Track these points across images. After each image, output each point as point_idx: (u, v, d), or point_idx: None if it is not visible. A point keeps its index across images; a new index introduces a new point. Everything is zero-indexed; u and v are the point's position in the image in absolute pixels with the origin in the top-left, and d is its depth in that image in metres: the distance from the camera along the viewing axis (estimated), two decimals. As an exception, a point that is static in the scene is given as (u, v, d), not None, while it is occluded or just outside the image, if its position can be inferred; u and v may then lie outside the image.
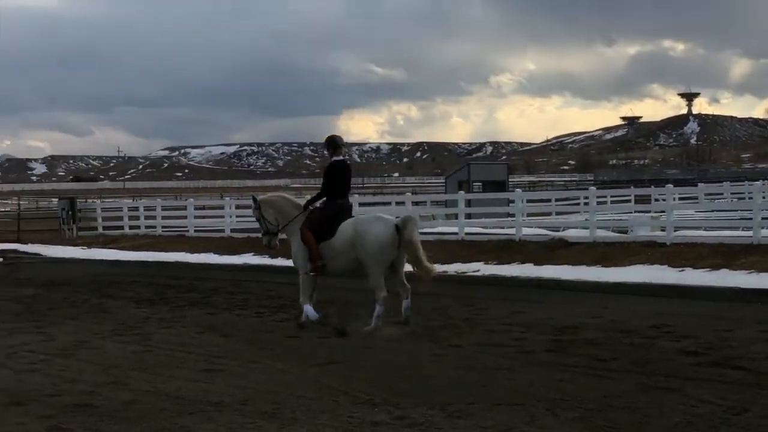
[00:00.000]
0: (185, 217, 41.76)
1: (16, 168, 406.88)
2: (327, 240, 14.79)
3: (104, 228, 43.98)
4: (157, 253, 33.67)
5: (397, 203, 40.11)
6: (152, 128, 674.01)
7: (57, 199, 57.16)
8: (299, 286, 15.20)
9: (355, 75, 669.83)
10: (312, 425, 8.80)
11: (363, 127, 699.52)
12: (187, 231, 39.86)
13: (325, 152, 15.86)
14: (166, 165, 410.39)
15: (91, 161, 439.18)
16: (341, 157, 15.54)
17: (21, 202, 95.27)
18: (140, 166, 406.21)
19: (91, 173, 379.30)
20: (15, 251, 36.90)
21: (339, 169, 15.30)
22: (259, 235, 16.40)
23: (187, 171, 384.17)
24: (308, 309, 14.98)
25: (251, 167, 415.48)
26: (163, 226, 41.38)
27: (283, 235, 15.79)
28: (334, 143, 15.47)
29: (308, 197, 15.91)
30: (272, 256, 30.01)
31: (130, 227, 42.70)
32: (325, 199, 15.30)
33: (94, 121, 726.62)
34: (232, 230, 37.56)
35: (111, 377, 11.17)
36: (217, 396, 9.99)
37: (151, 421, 9.05)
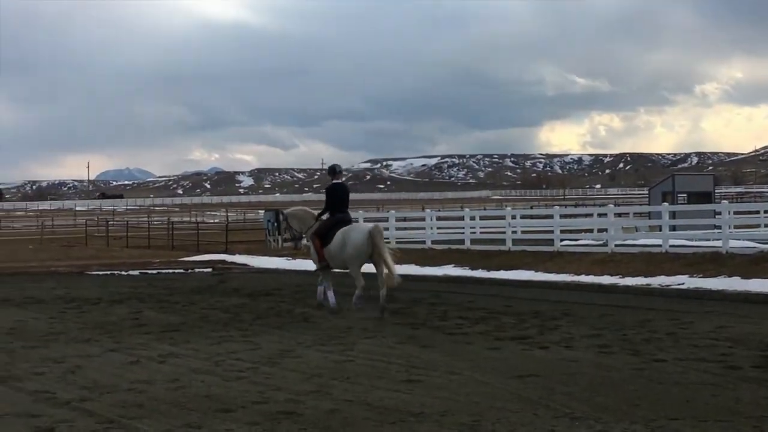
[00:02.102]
0: (387, 229, 42.19)
1: (224, 181, 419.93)
2: (327, 245, 19.69)
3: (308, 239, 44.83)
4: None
5: (599, 215, 39.59)
6: (355, 141, 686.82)
7: (263, 211, 58.63)
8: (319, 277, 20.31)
9: (557, 86, 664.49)
10: (511, 438, 8.78)
11: (564, 139, 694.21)
12: (389, 243, 40.24)
13: (328, 176, 20.93)
14: (368, 177, 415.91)
15: (295, 173, 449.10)
16: (340, 181, 20.58)
17: (229, 214, 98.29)
18: (343, 179, 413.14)
19: (296, 185, 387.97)
20: (223, 262, 38.04)
21: (337, 190, 20.27)
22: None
23: (389, 183, 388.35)
24: (320, 292, 20.05)
25: (452, 179, 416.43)
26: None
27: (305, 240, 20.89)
28: (333, 170, 20.68)
29: (318, 210, 20.72)
30: (473, 268, 30.09)
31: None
32: (328, 212, 20.17)
33: (298, 134, 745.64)
34: (433, 242, 37.71)
35: (314, 386, 11.40)
36: (417, 407, 10.08)
37: (353, 430, 9.20)
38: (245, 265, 37.04)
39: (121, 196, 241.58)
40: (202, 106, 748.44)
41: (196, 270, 35.87)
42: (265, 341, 15.33)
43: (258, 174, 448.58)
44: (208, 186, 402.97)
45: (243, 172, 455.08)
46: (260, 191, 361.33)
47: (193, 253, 43.52)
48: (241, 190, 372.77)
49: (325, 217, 20.38)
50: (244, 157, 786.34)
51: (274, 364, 13.05)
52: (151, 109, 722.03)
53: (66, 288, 26.62)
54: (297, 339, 15.52)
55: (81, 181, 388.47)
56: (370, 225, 19.85)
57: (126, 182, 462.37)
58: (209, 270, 35.43)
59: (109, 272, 34.85)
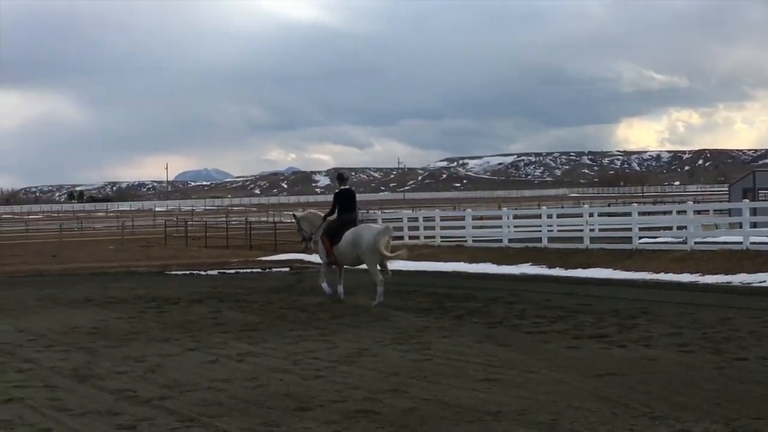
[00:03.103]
0: (463, 228, 42.15)
1: (301, 180, 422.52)
2: (336, 244, 21.77)
3: (385, 238, 44.86)
4: (436, 263, 34.10)
5: (678, 212, 39.10)
6: (430, 140, 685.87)
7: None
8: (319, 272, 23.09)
9: (635, 82, 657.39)
10: (590, 437, 8.72)
11: (642, 135, 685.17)
12: (465, 241, 40.19)
13: (336, 182, 23.18)
14: (444, 176, 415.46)
15: (371, 173, 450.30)
16: (347, 187, 22.70)
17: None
18: (419, 177, 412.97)
19: (372, 185, 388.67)
20: (301, 261, 38.20)
21: (345, 195, 22.41)
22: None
23: (465, 181, 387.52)
24: (324, 286, 22.19)
25: (529, 177, 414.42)
26: (441, 237, 41.88)
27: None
28: (341, 177, 23.16)
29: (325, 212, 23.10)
30: (550, 266, 29.93)
31: (410, 237, 43.42)
32: (336, 215, 22.29)
33: (374, 134, 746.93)
34: (510, 240, 37.57)
35: (392, 385, 11.43)
36: (495, 406, 10.05)
37: (431, 429, 9.21)
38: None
39: (107, 200, 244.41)
40: (279, 107, 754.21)
41: (274, 269, 36.14)
42: (342, 340, 15.41)
43: (334, 173, 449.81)
44: (285, 186, 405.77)
45: (319, 172, 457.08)
46: (336, 191, 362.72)
47: (270, 253, 43.85)
48: (318, 190, 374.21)
49: (331, 218, 22.60)
50: (321, 157, 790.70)
51: (352, 363, 13.10)
52: (229, 110, 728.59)
53: (146, 288, 26.97)
54: (374, 338, 15.56)
55: (160, 182, 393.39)
56: (381, 226, 22.79)
57: (204, 183, 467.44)
58: (287, 269, 35.67)
59: (188, 272, 35.26)
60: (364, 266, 21.91)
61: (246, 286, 26.50)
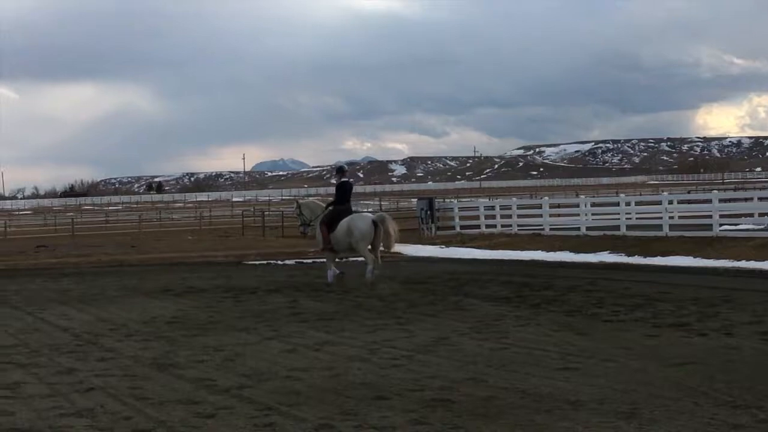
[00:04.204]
0: (540, 216, 41.93)
1: (377, 170, 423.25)
2: (333, 232, 23.65)
3: (461, 227, 44.82)
4: (513, 251, 33.98)
5: (760, 199, 38.49)
6: (506, 128, 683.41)
7: (416, 200, 58.85)
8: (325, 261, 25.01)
9: (714, 67, 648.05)
10: (671, 426, 8.63)
11: (722, 121, 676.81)
12: (543, 229, 39.98)
13: (335, 173, 25.76)
14: (521, 164, 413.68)
15: (447, 162, 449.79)
16: (346, 179, 24.88)
17: (382, 203, 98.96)
18: (495, 166, 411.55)
19: (448, 173, 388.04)
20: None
21: (344, 187, 24.50)
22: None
23: (541, 170, 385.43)
24: (329, 273, 23.94)
25: (607, 164, 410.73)
26: (518, 225, 41.72)
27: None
28: (341, 170, 25.55)
29: (329, 201, 25.01)
30: (629, 254, 29.66)
31: (487, 226, 43.31)
32: (334, 205, 24.29)
33: (449, 122, 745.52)
34: (588, 228, 37.30)
35: (469, 374, 11.41)
36: (573, 394, 10.00)
37: (509, 418, 9.18)
38: (399, 253, 37.17)
39: (85, 194, 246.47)
40: (356, 96, 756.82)
41: (350, 258, 36.19)
42: (419, 329, 15.42)
43: (410, 162, 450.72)
44: (361, 175, 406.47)
45: (395, 161, 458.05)
46: (413, 180, 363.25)
47: (347, 243, 43.90)
48: (394, 179, 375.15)
49: (331, 207, 24.50)
50: (397, 146, 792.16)
51: (429, 352, 13.11)
52: (306, 101, 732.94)
53: (224, 277, 27.21)
54: (451, 327, 15.55)
55: (237, 173, 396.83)
56: (375, 215, 24.44)
57: (281, 173, 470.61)
58: (362, 258, 35.73)
59: (265, 262, 35.45)
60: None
61: (322, 276, 26.63)
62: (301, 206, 25.46)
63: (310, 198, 27.21)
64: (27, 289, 25.32)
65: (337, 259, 25.21)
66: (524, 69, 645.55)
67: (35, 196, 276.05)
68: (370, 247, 23.84)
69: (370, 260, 23.60)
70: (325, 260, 25.14)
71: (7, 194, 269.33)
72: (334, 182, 25.12)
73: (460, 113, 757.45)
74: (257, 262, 35.42)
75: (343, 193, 24.50)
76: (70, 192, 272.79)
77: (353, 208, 25.37)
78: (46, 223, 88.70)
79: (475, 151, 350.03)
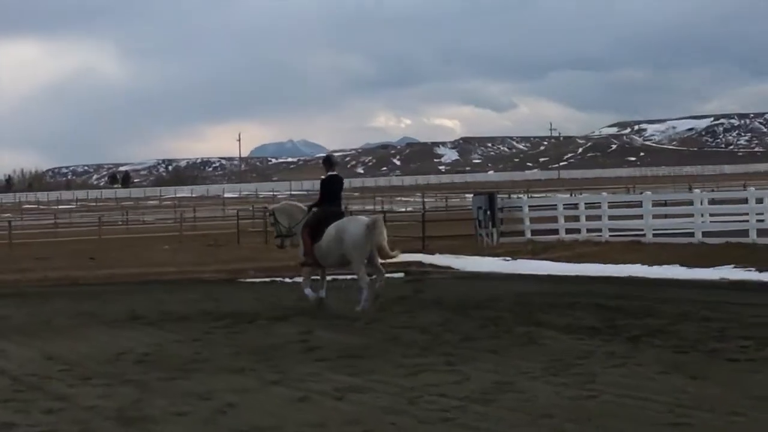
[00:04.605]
0: (640, 217, 41.79)
1: (419, 155, 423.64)
2: (317, 242, 24.06)
3: (533, 232, 44.76)
4: (603, 265, 33.91)
5: None
6: (594, 98, 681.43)
7: (471, 195, 58.77)
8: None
9: None
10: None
11: None
12: (644, 235, 39.87)
13: (322, 164, 25.81)
14: (613, 147, 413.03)
15: (514, 143, 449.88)
16: (335, 173, 25.10)
17: (426, 200, 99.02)
18: (579, 149, 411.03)
19: (515, 160, 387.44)
20: (420, 264, 38.28)
21: (331, 182, 24.86)
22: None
23: (642, 154, 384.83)
24: (307, 291, 24.70)
25: (730, 147, 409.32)
26: (610, 229, 41.62)
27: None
28: (329, 161, 25.73)
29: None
30: (760, 270, 29.54)
31: (567, 231, 43.25)
32: (318, 205, 24.82)
33: (517, 91, 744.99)
34: (705, 234, 37.17)
35: (544, 430, 11.43)
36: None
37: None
38: (448, 267, 37.21)
39: (27, 189, 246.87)
40: (389, 56, 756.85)
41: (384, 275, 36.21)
42: (475, 370, 15.43)
43: (463, 145, 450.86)
44: (398, 162, 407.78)
45: (444, 143, 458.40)
46: (467, 168, 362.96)
47: (378, 253, 43.94)
48: (442, 168, 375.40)
49: (315, 209, 25.01)
50: (445, 123, 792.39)
51: (489, 402, 13.11)
52: (322, 61, 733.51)
53: (214, 300, 27.31)
54: (519, 367, 15.55)
55: (231, 159, 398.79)
56: (369, 218, 24.58)
57: (289, 159, 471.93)
58: (400, 275, 35.74)
59: (268, 279, 35.56)
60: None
61: (345, 298, 26.67)
62: (275, 212, 26.08)
63: (286, 201, 27.70)
64: (-51, 317, 25.48)
65: (316, 277, 25.23)
66: (619, 17, 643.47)
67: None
68: (366, 261, 23.95)
69: (364, 281, 23.77)
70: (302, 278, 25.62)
71: None
72: (323, 176, 25.14)
73: (532, 78, 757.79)
74: (257, 280, 35.53)
75: (331, 189, 24.92)
76: (6, 186, 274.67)
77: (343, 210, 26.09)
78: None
79: (551, 130, 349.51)
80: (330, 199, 24.80)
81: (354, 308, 23.27)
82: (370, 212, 74.80)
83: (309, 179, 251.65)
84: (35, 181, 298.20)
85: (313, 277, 25.07)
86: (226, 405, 13.44)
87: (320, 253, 24.15)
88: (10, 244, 60.79)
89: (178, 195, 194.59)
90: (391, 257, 24.33)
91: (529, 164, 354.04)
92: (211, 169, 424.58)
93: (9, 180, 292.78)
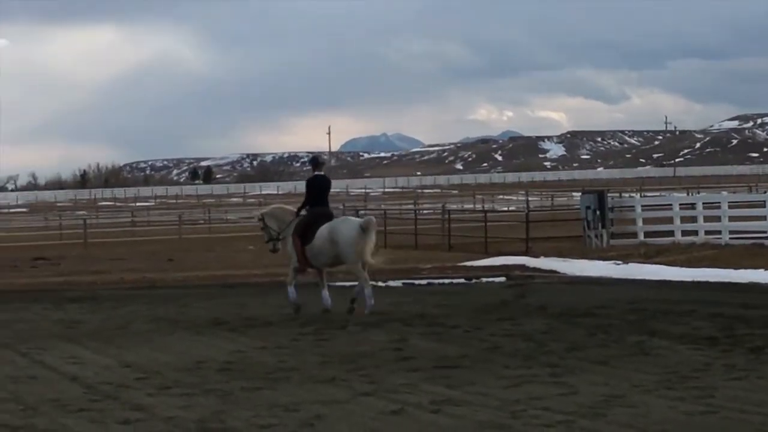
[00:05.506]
0: (764, 218, 41.37)
1: (522, 150, 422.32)
2: (309, 244, 25.13)
3: (646, 234, 44.48)
4: (723, 270, 33.62)
5: None
6: (713, 88, 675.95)
7: (579, 194, 58.52)
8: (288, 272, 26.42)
9: None
10: None
11: None
12: (767, 238, 39.47)
13: (309, 164, 27.53)
14: (734, 142, 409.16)
15: (626, 137, 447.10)
16: (321, 173, 26.45)
17: (530, 198, 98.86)
18: (697, 144, 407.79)
19: (627, 155, 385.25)
20: (523, 267, 38.19)
21: (318, 183, 26.06)
22: None
23: (765, 150, 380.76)
24: (290, 291, 25.91)
25: None
26: (731, 231, 41.25)
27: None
28: (315, 162, 26.95)
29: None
30: None
31: (684, 233, 42.92)
32: (308, 207, 25.88)
33: (630, 81, 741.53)
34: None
35: (656, 448, 11.36)
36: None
37: None
38: (554, 272, 37.11)
39: (103, 185, 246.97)
40: (490, 43, 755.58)
41: (484, 279, 36.21)
42: (583, 382, 15.38)
43: (571, 139, 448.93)
44: (500, 158, 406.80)
45: (549, 138, 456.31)
46: (575, 164, 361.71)
47: (478, 256, 43.94)
48: (548, 164, 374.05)
49: (304, 212, 26.06)
50: (551, 115, 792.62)
51: (597, 416, 13.07)
52: (418, 50, 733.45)
53: (301, 305, 27.35)
54: (630, 379, 15.49)
55: (320, 154, 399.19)
56: (362, 219, 26.33)
57: (382, 154, 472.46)
58: (502, 279, 35.72)
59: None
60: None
61: (443, 304, 26.68)
62: (264, 217, 27.39)
63: (276, 205, 29.67)
64: (20, 320, 25.82)
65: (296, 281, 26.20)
66: (739, 3, 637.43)
67: (32, 186, 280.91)
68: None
69: (364, 279, 25.21)
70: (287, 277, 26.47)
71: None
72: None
73: (646, 67, 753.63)
74: (347, 284, 35.57)
75: (317, 190, 26.08)
76: (81, 181, 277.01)
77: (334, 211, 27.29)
78: (47, 225, 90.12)
79: (667, 123, 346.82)
80: (317, 201, 25.96)
81: (364, 313, 24.51)
82: (470, 211, 74.79)
83: (403, 175, 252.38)
84: (112, 177, 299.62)
85: (314, 280, 26.54)
86: (314, 417, 13.48)
87: (312, 254, 25.29)
88: (85, 243, 61.52)
89: (263, 192, 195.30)
90: (371, 264, 25.20)
91: (642, 160, 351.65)
92: (298, 164, 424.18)
93: (84, 175, 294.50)
